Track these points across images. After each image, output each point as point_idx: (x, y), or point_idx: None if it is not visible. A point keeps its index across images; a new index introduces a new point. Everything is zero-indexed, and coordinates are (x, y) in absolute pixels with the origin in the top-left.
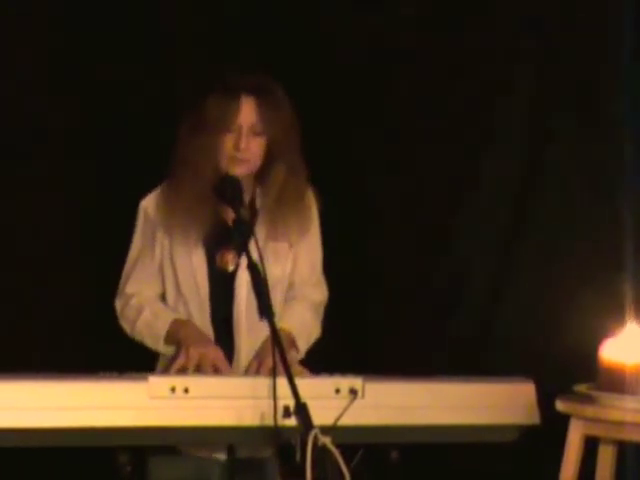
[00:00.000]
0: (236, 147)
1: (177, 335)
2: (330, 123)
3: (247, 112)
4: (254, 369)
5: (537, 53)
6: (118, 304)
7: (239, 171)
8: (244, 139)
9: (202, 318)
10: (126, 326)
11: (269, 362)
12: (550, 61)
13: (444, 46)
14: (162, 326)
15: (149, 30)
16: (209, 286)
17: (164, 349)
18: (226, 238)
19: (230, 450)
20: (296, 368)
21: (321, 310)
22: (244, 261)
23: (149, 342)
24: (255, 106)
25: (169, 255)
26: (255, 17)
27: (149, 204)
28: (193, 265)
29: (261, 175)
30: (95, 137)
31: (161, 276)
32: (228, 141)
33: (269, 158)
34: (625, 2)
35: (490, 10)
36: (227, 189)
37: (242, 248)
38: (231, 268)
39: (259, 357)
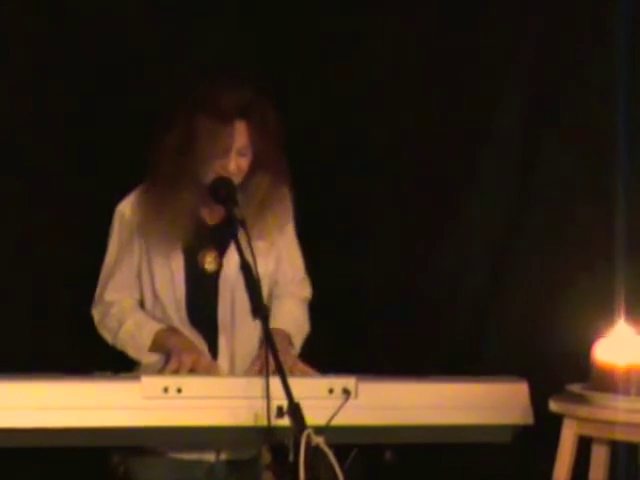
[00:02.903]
0: (224, 169)
1: (166, 344)
2: (328, 116)
3: (239, 137)
4: (257, 370)
5: (536, 52)
6: (96, 313)
7: None
8: (233, 162)
9: (179, 321)
10: (107, 335)
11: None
12: (549, 60)
13: (443, 47)
14: (146, 336)
15: (149, 31)
16: (185, 288)
17: (146, 359)
18: (206, 239)
19: (217, 453)
20: (303, 367)
21: (307, 305)
22: (228, 261)
23: (131, 352)
24: (246, 129)
25: (147, 260)
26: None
27: (126, 208)
28: (171, 268)
29: (242, 182)
30: (78, 137)
31: (139, 281)
32: (217, 162)
33: (252, 168)
34: (622, 3)
35: (489, 10)
36: (221, 189)
37: (237, 247)
38: (213, 268)
39: (261, 358)
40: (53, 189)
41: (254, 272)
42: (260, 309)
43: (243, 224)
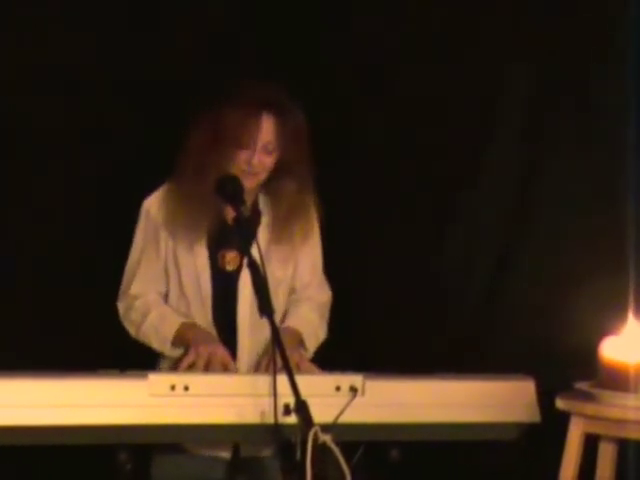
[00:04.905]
0: (248, 163)
1: (185, 336)
2: (329, 121)
3: (266, 130)
4: (265, 365)
5: (537, 53)
6: (121, 306)
7: (248, 184)
8: (257, 156)
9: (204, 318)
10: (130, 328)
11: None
12: (550, 61)
13: (443, 46)
14: (169, 329)
15: (150, 30)
16: (212, 286)
17: (170, 352)
18: (229, 238)
19: (235, 449)
20: (309, 365)
21: (326, 311)
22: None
23: (156, 344)
24: (273, 124)
25: (173, 255)
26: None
27: (152, 205)
28: (197, 266)
29: (267, 184)
30: (97, 135)
31: (165, 276)
32: (241, 155)
33: (278, 170)
34: (626, 2)
35: (489, 10)
36: (228, 187)
37: (243, 246)
38: (232, 268)
39: (269, 354)
40: (72, 185)
41: (261, 271)
42: (267, 307)
43: (251, 222)
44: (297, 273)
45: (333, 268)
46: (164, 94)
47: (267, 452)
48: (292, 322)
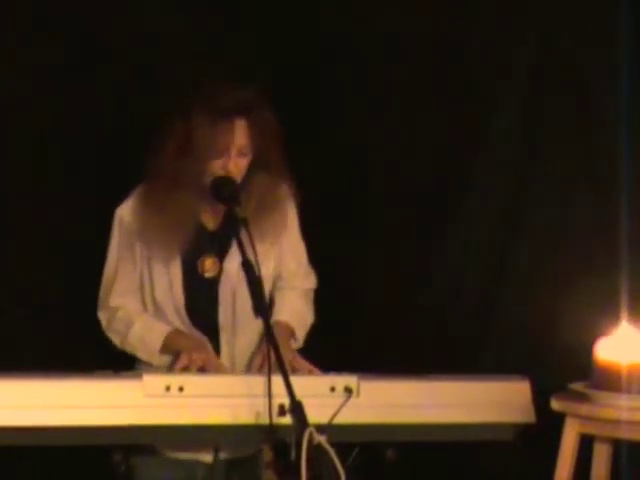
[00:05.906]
0: (225, 169)
1: (176, 344)
2: (329, 116)
3: (239, 136)
4: (258, 364)
5: (536, 52)
6: (103, 317)
7: None
8: (233, 162)
9: (181, 326)
10: (115, 338)
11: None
12: (549, 60)
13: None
14: (157, 338)
15: (142, 32)
16: (184, 295)
17: (158, 361)
18: (205, 245)
19: (215, 452)
20: (302, 362)
21: (311, 295)
22: (228, 265)
23: (143, 354)
24: (246, 128)
25: (147, 266)
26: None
27: (125, 212)
28: (170, 275)
29: (242, 181)
30: (75, 139)
31: (141, 287)
32: (217, 162)
33: (251, 167)
34: (624, 2)
35: (489, 8)
36: (224, 188)
37: (231, 251)
38: (212, 274)
39: (262, 353)
40: (50, 189)
41: (256, 270)
42: (262, 308)
43: (245, 223)
44: (282, 263)
45: (333, 268)
46: (163, 94)
47: (249, 451)
48: (281, 315)
